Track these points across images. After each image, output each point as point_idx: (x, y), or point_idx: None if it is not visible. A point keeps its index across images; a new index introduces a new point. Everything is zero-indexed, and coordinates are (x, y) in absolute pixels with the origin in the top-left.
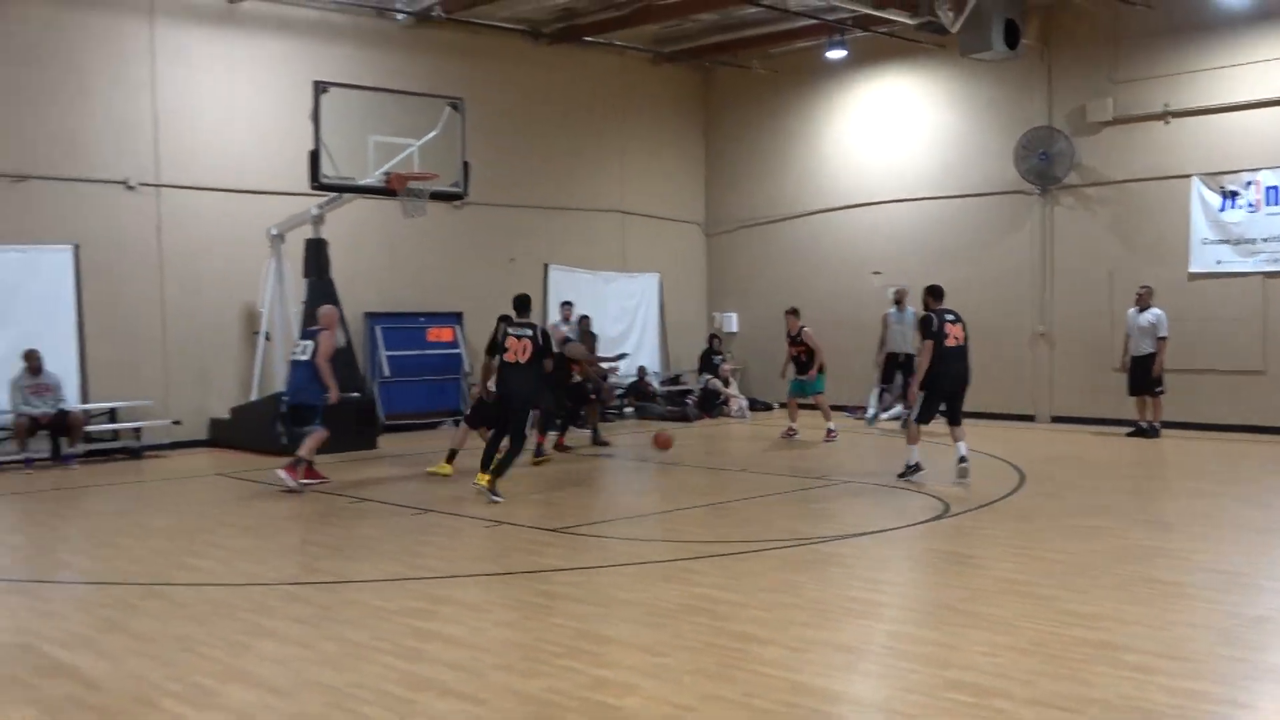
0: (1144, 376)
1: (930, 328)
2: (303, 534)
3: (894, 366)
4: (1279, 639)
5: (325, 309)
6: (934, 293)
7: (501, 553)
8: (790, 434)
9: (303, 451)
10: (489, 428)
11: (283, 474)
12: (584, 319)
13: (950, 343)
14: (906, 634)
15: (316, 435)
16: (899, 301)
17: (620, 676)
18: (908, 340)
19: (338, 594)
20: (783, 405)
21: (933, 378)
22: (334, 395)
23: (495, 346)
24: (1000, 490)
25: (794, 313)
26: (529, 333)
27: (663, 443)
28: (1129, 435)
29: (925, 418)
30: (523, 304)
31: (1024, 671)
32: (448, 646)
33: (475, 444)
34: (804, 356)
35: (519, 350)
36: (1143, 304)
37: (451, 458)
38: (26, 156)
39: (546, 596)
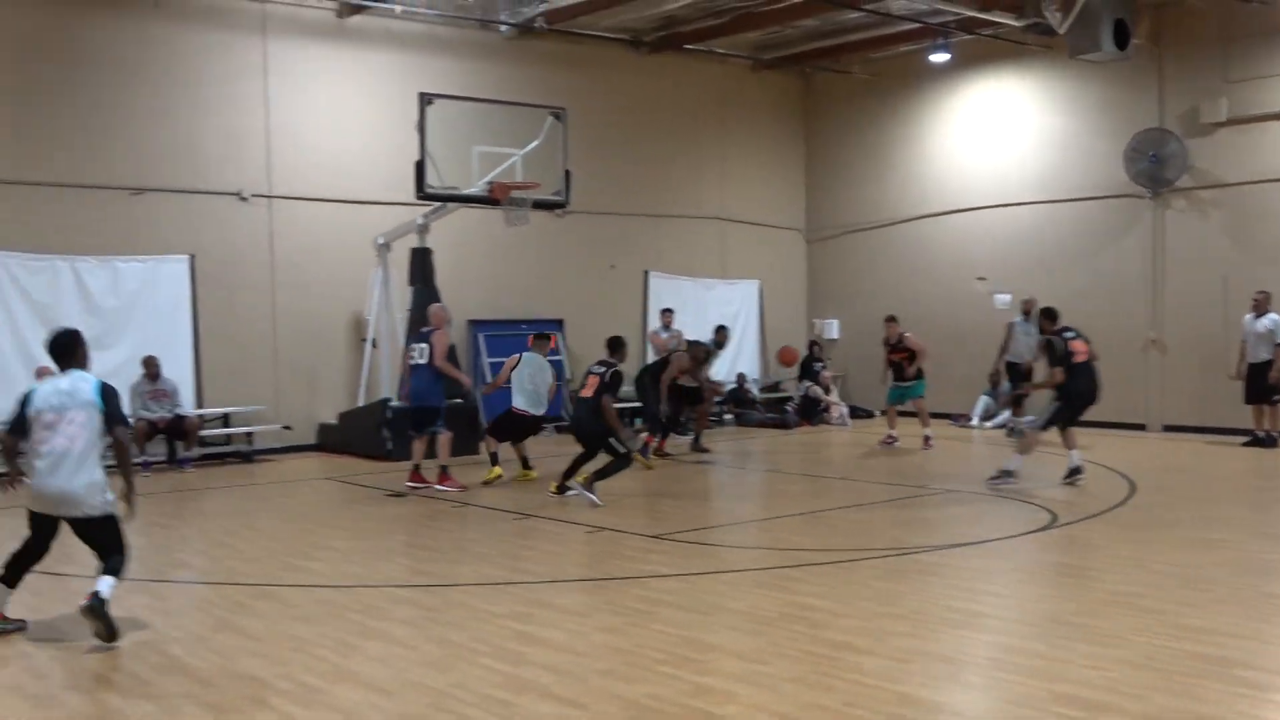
0: (1261, 384)
1: (1056, 352)
2: (407, 537)
3: (1015, 376)
4: None
5: (434, 308)
6: (1049, 315)
7: (602, 558)
8: (890, 441)
9: (443, 459)
10: (507, 440)
11: (440, 487)
12: (721, 330)
13: (1079, 359)
14: (1012, 646)
15: (444, 439)
16: (1027, 312)
17: (721, 684)
18: (1031, 350)
19: (441, 596)
20: (883, 413)
21: (1068, 394)
22: (467, 382)
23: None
24: (1111, 500)
25: (893, 320)
26: (600, 370)
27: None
28: (1245, 445)
29: (1046, 427)
30: (613, 345)
31: (1135, 686)
32: (549, 651)
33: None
34: (905, 363)
35: (589, 386)
36: (1260, 309)
37: (495, 460)
38: (145, 170)
39: (647, 602)
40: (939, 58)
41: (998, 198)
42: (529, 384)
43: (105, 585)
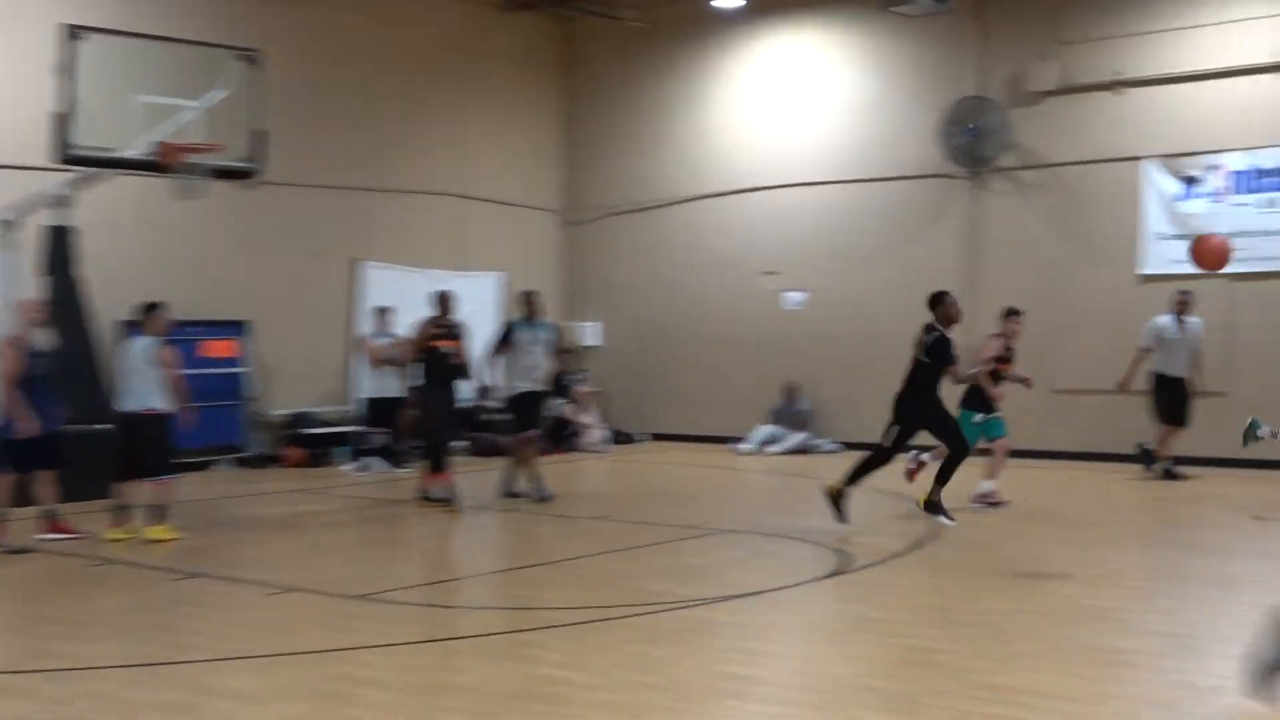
0: (1181, 401)
1: None
2: (27, 608)
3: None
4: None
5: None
6: None
7: (290, 627)
8: (994, 501)
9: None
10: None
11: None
12: (528, 296)
13: None
14: (790, 717)
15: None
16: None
17: None
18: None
19: (73, 685)
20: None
21: None
22: (24, 425)
23: None
24: (914, 538)
25: (1019, 314)
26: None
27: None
28: (1160, 476)
29: None
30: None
31: None
32: None
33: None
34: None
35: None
36: (1185, 311)
37: (125, 516)
38: None
39: (346, 682)
40: (727, 4)
41: (793, 176)
42: (130, 376)
43: None
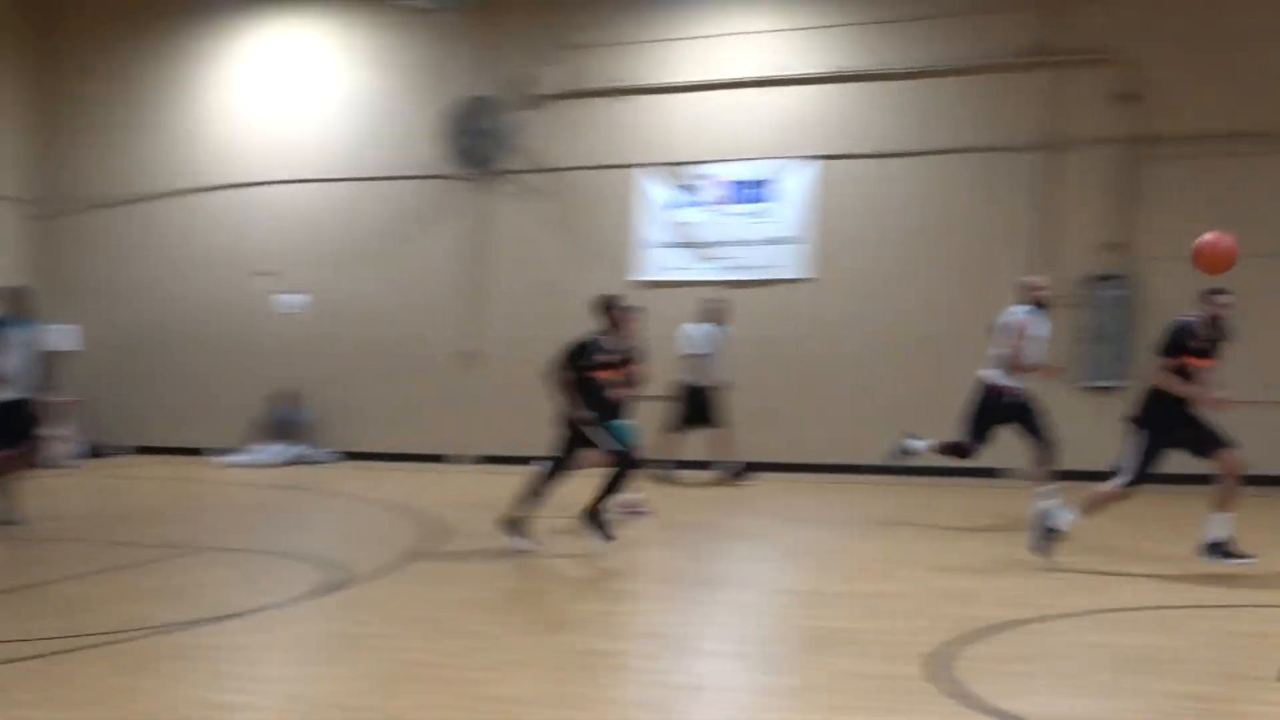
0: (708, 405)
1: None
2: None
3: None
4: (713, 709)
5: None
6: None
7: None
8: (637, 512)
9: None
10: None
11: None
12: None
13: None
14: None
15: None
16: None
17: None
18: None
19: None
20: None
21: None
22: None
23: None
24: (407, 551)
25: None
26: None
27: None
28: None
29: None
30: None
31: None
32: None
33: None
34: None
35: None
36: (721, 319)
37: None
38: None
39: None
40: None
41: (291, 172)
42: None
43: None
